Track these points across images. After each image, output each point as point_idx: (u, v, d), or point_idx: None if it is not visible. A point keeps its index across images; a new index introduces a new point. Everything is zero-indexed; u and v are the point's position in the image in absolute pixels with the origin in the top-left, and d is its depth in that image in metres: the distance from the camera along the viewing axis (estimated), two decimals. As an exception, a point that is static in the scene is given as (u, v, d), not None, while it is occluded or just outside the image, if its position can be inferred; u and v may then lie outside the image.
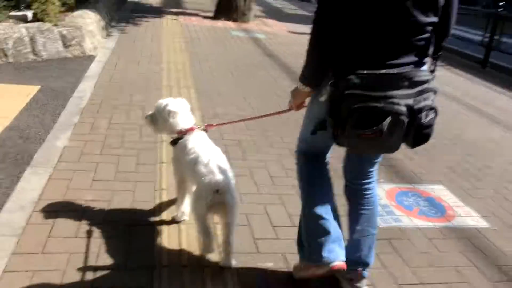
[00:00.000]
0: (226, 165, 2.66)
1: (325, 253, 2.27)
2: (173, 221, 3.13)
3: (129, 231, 3.00)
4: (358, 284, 2.55)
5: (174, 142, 2.93)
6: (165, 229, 3.06)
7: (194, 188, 2.78)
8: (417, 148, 2.17)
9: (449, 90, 7.59)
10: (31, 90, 5.33)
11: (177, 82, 6.24)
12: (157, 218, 3.17)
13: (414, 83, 1.92)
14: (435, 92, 2.00)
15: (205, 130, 2.96)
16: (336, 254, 2.28)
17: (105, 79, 6.04)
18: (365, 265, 2.56)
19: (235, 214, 2.61)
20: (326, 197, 2.46)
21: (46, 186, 3.39)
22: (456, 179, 4.42)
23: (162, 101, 2.95)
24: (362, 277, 2.57)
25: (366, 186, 2.54)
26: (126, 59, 7.12)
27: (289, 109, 2.51)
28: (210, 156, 2.64)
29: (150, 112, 3.05)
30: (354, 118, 1.91)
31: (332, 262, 2.26)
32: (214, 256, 2.79)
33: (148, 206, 3.31)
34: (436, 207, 3.81)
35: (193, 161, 2.67)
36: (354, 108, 1.90)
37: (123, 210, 3.23)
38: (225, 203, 2.55)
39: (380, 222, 3.45)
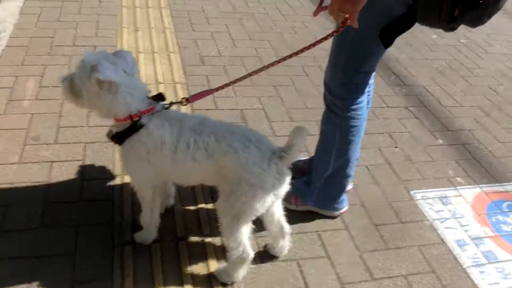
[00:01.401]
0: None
1: (338, 205, 2.33)
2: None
3: None
4: None
5: (121, 136, 1.81)
6: None
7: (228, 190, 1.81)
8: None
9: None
10: None
11: (142, -2, 4.41)
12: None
13: None
14: None
15: (185, 103, 1.90)
16: (345, 203, 2.37)
17: (38, -4, 4.18)
18: None
19: None
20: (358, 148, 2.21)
21: None
22: (554, 163, 3.04)
23: (87, 58, 1.70)
24: None
25: None
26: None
27: (341, 27, 1.72)
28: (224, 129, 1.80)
29: (68, 73, 1.82)
30: None
31: (340, 210, 2.35)
32: None
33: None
34: (551, 234, 2.49)
35: (201, 150, 1.76)
36: None
37: None
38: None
39: (479, 281, 2.14)
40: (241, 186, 1.74)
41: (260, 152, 1.75)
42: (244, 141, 1.75)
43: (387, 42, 1.83)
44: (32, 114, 2.76)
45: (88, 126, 2.73)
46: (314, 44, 1.83)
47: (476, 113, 3.45)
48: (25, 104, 2.83)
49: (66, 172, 2.41)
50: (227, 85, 1.95)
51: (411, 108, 3.39)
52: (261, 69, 1.93)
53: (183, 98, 1.90)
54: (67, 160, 2.48)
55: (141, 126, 1.76)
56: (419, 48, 4.28)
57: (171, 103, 1.87)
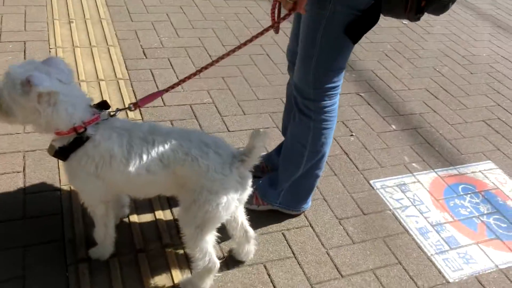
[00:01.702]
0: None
1: (305, 205, 2.29)
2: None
3: None
4: None
5: (66, 151, 1.63)
6: None
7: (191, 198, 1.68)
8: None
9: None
10: None
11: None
12: None
13: None
14: None
15: (133, 109, 1.77)
16: (310, 202, 2.31)
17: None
18: None
19: None
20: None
21: None
22: (501, 141, 3.14)
23: (14, 72, 1.49)
24: None
25: None
26: None
27: (288, 15, 1.74)
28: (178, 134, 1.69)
29: None
30: None
31: (306, 209, 2.32)
32: None
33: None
34: (505, 214, 2.56)
35: (155, 161, 1.63)
36: None
37: None
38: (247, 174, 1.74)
39: (444, 269, 2.16)
40: (203, 194, 1.64)
41: (220, 158, 1.65)
42: (201, 147, 1.65)
43: (354, 38, 1.75)
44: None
45: (25, 133, 2.49)
46: (261, 33, 1.78)
47: (424, 96, 3.50)
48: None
49: (5, 186, 2.18)
50: (177, 84, 1.84)
51: (362, 94, 3.38)
52: (211, 64, 1.84)
53: (130, 103, 1.75)
54: (5, 173, 2.24)
55: (87, 138, 1.60)
56: (364, 31, 4.27)
57: (118, 110, 1.71)
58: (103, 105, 1.70)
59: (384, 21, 4.52)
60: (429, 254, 2.25)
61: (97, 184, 1.68)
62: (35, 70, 1.49)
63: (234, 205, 1.71)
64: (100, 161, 1.62)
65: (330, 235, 2.26)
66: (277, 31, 1.78)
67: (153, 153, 1.63)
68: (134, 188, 1.76)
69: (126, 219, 2.13)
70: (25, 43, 3.19)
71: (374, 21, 1.71)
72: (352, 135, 2.94)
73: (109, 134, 1.62)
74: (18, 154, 2.36)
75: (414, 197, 2.56)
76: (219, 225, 1.77)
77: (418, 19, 1.72)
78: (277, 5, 1.76)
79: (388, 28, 4.42)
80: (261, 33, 1.78)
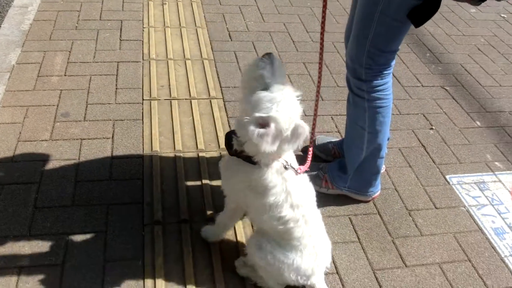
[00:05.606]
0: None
1: (372, 188, 2.26)
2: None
3: None
4: None
5: None
6: None
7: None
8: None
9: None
10: None
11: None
12: None
13: None
14: None
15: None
16: (378, 187, 2.30)
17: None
18: None
19: None
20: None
21: None
22: None
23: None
24: None
25: None
26: None
27: None
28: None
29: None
30: None
31: (374, 194, 2.29)
32: None
33: None
34: None
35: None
36: None
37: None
38: None
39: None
40: None
41: None
42: None
43: (417, 22, 1.74)
44: (61, 90, 2.74)
45: (116, 103, 2.70)
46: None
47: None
48: (54, 80, 2.81)
49: (95, 149, 2.39)
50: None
51: (447, 88, 3.26)
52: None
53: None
54: (96, 138, 2.46)
55: None
56: (457, 23, 4.10)
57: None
58: None
59: (480, 13, 4.29)
60: (502, 255, 2.16)
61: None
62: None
63: None
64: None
65: (398, 224, 2.23)
66: None
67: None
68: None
69: (199, 185, 2.24)
70: (121, 22, 3.43)
71: (437, 6, 1.68)
72: (432, 129, 2.86)
73: None
74: (109, 122, 2.57)
75: (493, 197, 2.45)
76: None
77: (479, 3, 1.67)
78: None
79: (483, 21, 4.19)
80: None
